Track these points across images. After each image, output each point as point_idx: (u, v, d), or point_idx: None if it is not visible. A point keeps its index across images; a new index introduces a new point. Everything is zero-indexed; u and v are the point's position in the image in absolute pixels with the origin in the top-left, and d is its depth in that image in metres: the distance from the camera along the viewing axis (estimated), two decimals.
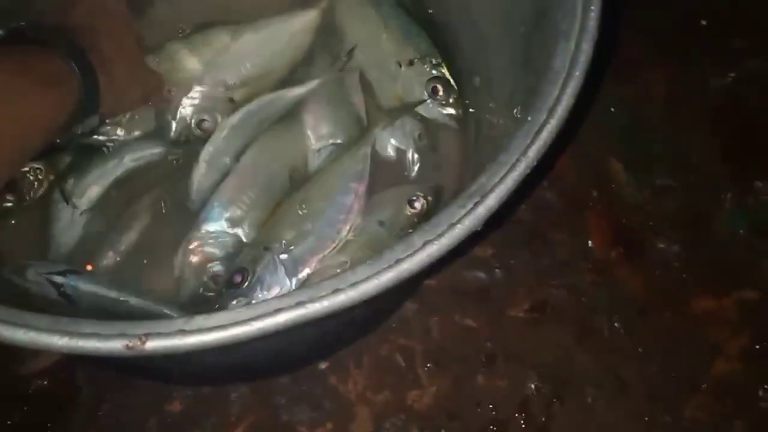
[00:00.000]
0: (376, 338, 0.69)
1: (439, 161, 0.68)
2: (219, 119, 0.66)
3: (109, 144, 0.65)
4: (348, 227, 0.60)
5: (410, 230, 0.61)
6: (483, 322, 0.70)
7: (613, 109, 0.78)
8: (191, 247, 0.61)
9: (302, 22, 0.69)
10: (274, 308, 0.40)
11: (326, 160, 0.65)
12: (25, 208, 0.63)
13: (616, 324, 0.70)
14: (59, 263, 0.59)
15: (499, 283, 0.72)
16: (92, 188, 0.63)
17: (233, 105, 0.67)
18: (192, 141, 0.66)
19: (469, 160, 0.68)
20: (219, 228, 0.61)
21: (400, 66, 0.68)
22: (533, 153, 0.44)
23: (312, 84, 0.66)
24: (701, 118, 0.78)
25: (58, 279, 0.56)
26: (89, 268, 0.61)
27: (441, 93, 0.68)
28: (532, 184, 0.67)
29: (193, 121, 0.66)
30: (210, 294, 0.61)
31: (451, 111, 0.68)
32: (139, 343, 0.39)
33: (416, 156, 0.67)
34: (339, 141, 0.67)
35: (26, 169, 0.62)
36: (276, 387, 0.68)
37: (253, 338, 0.40)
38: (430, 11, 0.71)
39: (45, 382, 0.68)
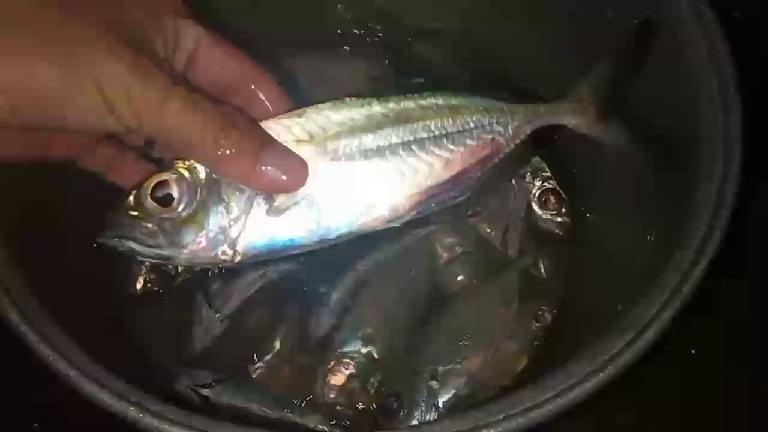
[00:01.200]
0: None
1: (553, 267, 0.71)
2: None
3: None
4: (493, 350, 0.63)
5: (536, 343, 0.65)
6: None
7: None
8: (330, 367, 0.64)
9: None
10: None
11: (463, 272, 0.69)
12: (166, 293, 0.68)
13: None
14: (205, 373, 0.62)
15: None
16: (234, 296, 0.67)
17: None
18: None
19: (583, 265, 0.70)
20: (353, 348, 0.65)
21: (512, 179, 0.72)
22: (687, 290, 0.47)
23: (432, 227, 0.70)
24: None
25: (206, 392, 0.60)
26: None
27: (553, 204, 0.71)
28: None
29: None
30: (350, 412, 0.63)
31: (561, 220, 0.72)
32: None
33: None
34: (468, 249, 0.71)
35: None
36: None
37: None
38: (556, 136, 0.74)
39: None
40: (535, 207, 0.72)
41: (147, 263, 0.65)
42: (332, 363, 0.64)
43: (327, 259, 0.65)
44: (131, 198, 0.44)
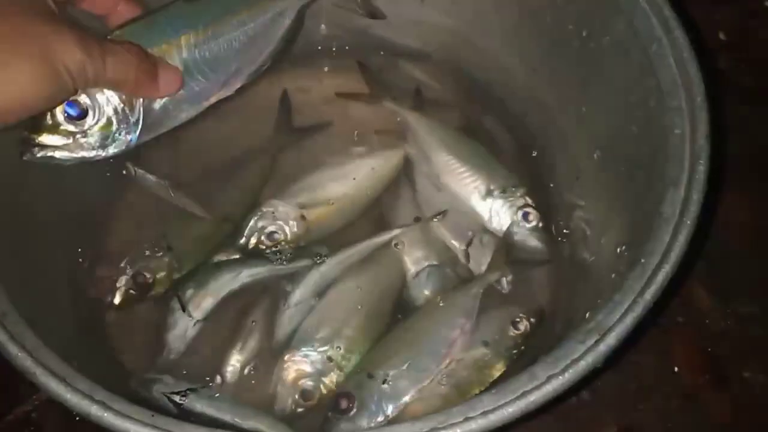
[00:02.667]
0: None
1: (531, 276, 0.72)
2: (288, 234, 0.71)
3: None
4: (448, 361, 0.63)
5: (514, 350, 0.66)
6: None
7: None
8: (285, 364, 0.65)
9: (385, 157, 0.75)
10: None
11: (429, 285, 0.70)
12: (147, 301, 0.68)
13: None
14: (181, 382, 0.63)
15: (586, 405, 0.73)
16: (208, 299, 0.67)
17: (305, 222, 0.71)
18: (258, 251, 0.70)
19: (562, 277, 0.71)
20: (310, 347, 0.65)
21: (491, 193, 0.72)
22: (650, 296, 0.47)
23: (397, 231, 0.71)
24: None
25: (178, 399, 0.60)
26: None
27: (533, 220, 0.72)
28: None
29: (264, 232, 0.70)
30: (301, 410, 0.64)
31: (540, 238, 0.72)
32: None
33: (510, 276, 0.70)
34: (435, 263, 0.71)
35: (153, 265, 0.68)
36: None
37: None
38: (534, 153, 0.76)
39: None
40: (516, 220, 0.72)
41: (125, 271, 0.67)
42: (287, 361, 0.65)
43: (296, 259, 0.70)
44: (48, 120, 0.52)
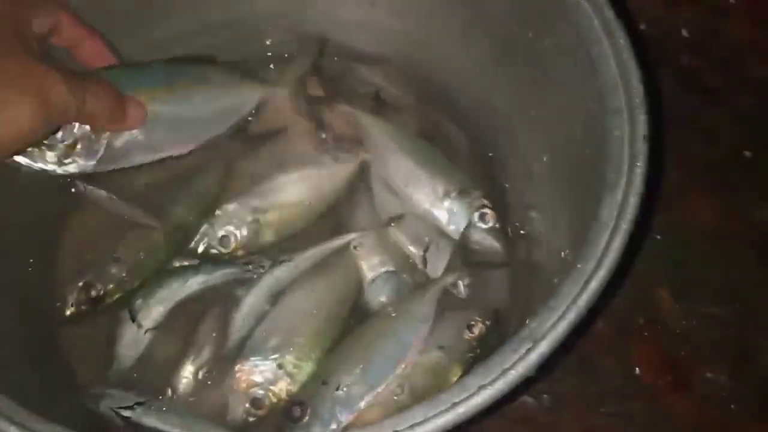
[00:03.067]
0: None
1: (488, 278, 0.71)
2: (240, 238, 0.70)
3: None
4: (404, 365, 0.62)
5: (470, 354, 0.65)
6: None
7: (659, 237, 0.80)
8: (236, 373, 0.64)
9: (341, 163, 0.74)
10: None
11: (385, 291, 0.69)
12: (98, 313, 0.67)
13: None
14: (129, 395, 0.62)
15: (547, 409, 0.73)
16: (157, 308, 0.67)
17: (258, 227, 0.71)
18: (210, 255, 0.70)
19: (519, 278, 0.70)
20: (261, 355, 0.65)
21: (448, 195, 0.71)
22: (583, 302, 0.47)
23: (353, 235, 0.71)
24: (748, 248, 0.79)
25: (126, 413, 0.60)
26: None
27: (489, 220, 0.71)
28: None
29: (215, 236, 0.70)
30: (253, 420, 0.64)
31: (497, 239, 0.70)
32: None
33: (466, 279, 0.69)
34: (392, 269, 0.70)
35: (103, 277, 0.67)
36: None
37: None
38: (491, 155, 0.75)
39: None
40: (473, 221, 0.71)
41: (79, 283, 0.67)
42: (238, 370, 0.64)
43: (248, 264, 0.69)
44: None
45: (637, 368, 0.74)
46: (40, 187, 0.67)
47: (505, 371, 0.45)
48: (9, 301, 0.64)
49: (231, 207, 0.71)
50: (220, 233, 0.70)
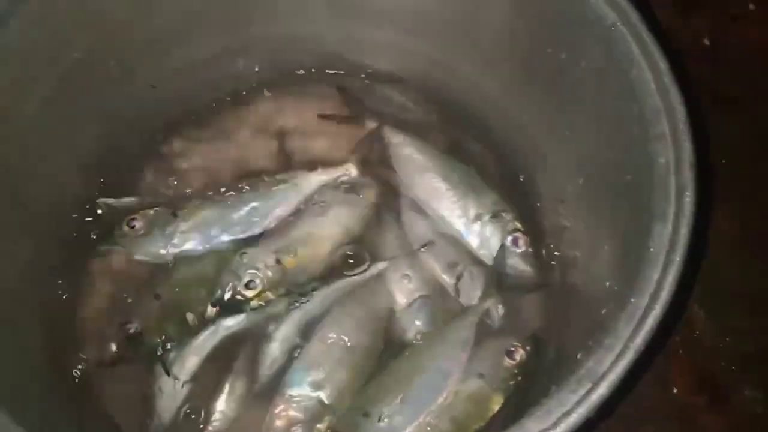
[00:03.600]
0: None
1: (522, 302, 0.70)
2: (266, 281, 0.68)
3: None
4: (446, 394, 0.62)
5: (511, 381, 0.64)
6: None
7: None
8: (276, 411, 0.63)
9: (358, 197, 0.73)
10: None
11: (420, 316, 0.68)
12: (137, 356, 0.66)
13: None
14: None
15: None
16: (191, 359, 0.65)
17: (282, 267, 0.69)
18: (236, 302, 0.68)
19: (553, 300, 0.69)
20: (302, 392, 0.63)
21: (480, 219, 0.71)
22: (641, 340, 0.46)
23: (384, 264, 0.70)
24: None
25: None
26: None
27: (522, 245, 0.70)
28: None
29: (240, 282, 0.68)
30: None
31: (530, 263, 0.70)
32: None
33: (500, 307, 0.68)
34: (425, 293, 0.69)
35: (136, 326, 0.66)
36: None
37: None
38: (520, 175, 0.74)
39: None
40: (506, 245, 0.70)
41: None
42: (279, 407, 0.63)
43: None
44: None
45: (674, 388, 0.73)
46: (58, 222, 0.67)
47: (565, 414, 0.44)
48: (35, 337, 0.63)
49: (253, 250, 0.69)
50: (246, 278, 0.68)
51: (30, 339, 0.62)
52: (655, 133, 0.53)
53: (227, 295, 0.67)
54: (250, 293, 0.67)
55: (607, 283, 0.55)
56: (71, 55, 0.64)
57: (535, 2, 0.62)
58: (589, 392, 0.44)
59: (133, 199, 0.73)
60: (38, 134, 0.63)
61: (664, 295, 0.47)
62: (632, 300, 0.47)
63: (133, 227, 0.70)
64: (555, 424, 0.43)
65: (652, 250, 0.49)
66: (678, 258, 0.48)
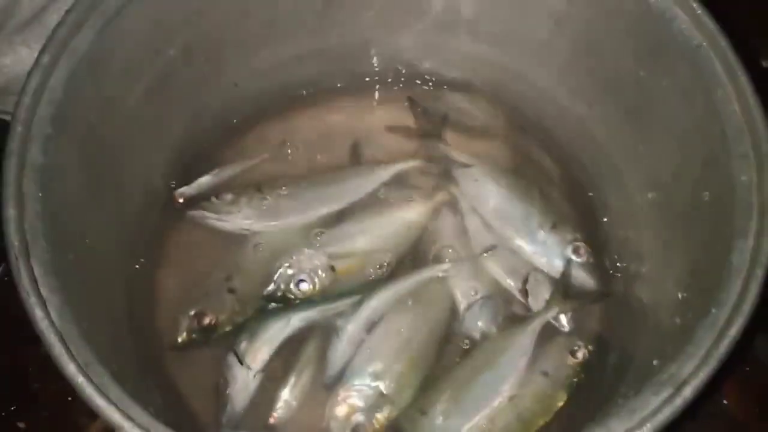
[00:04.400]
0: None
1: (584, 311, 0.71)
2: (317, 284, 0.70)
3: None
4: (502, 397, 0.64)
5: (575, 379, 0.66)
6: None
7: None
8: (338, 398, 0.66)
9: (418, 213, 0.75)
10: None
11: (483, 316, 0.70)
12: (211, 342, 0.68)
13: None
14: None
15: None
16: (263, 350, 0.67)
17: (333, 273, 0.71)
18: (286, 299, 0.70)
19: (615, 310, 0.71)
20: (362, 381, 0.66)
21: (542, 229, 0.73)
22: (724, 348, 0.48)
23: (446, 266, 0.72)
24: None
25: None
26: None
27: (583, 254, 0.72)
28: None
29: (293, 280, 0.70)
30: None
31: (592, 273, 0.71)
32: None
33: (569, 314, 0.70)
34: (486, 293, 0.71)
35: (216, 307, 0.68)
36: None
37: None
38: (586, 186, 0.76)
39: None
40: (567, 255, 0.72)
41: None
42: (340, 395, 0.65)
43: (344, 295, 0.70)
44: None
45: (724, 400, 0.75)
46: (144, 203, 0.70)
47: (651, 413, 0.46)
48: (122, 328, 0.65)
49: (309, 252, 0.72)
50: (299, 277, 0.70)
51: (117, 312, 0.65)
52: (737, 151, 0.55)
53: (279, 293, 0.70)
54: (299, 294, 0.70)
55: (680, 295, 0.57)
56: (169, 52, 0.66)
57: (620, 18, 0.64)
58: (673, 395, 0.46)
59: (209, 176, 0.75)
60: (138, 123, 0.66)
61: (747, 308, 0.49)
62: (713, 310, 0.50)
63: (220, 198, 0.73)
64: (641, 423, 0.46)
65: (734, 264, 0.51)
66: (760, 272, 0.50)
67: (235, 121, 0.79)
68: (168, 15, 0.64)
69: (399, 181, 0.77)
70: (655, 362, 0.53)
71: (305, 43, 0.77)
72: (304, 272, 0.71)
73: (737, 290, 0.50)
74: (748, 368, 0.76)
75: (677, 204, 0.62)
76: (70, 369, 0.47)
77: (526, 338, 0.67)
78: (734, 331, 0.48)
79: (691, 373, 0.47)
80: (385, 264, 0.73)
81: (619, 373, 0.62)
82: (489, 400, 0.64)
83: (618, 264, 0.72)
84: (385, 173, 0.77)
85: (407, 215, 0.75)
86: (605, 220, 0.74)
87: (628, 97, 0.67)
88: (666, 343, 0.54)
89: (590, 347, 0.68)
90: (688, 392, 0.47)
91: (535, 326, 0.67)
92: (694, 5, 0.58)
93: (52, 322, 0.49)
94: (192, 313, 0.68)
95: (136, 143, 0.67)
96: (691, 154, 0.60)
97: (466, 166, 0.76)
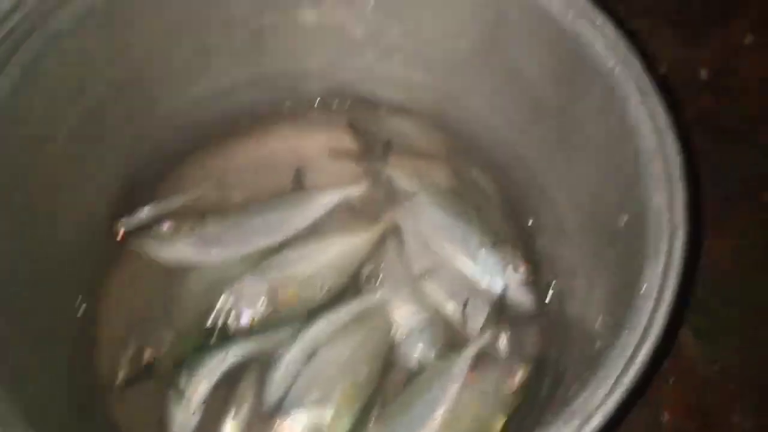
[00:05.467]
0: None
1: (522, 332, 0.71)
2: (257, 314, 0.70)
3: None
4: (436, 424, 0.64)
5: (512, 402, 0.67)
6: None
7: None
8: (277, 428, 0.66)
9: (362, 239, 0.75)
10: None
11: (421, 341, 0.70)
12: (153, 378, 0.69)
13: None
14: None
15: None
16: (203, 383, 0.67)
17: (274, 302, 0.71)
18: (226, 331, 0.70)
19: (550, 327, 0.71)
20: (300, 410, 0.66)
21: (481, 248, 0.73)
22: (630, 378, 0.48)
23: (383, 293, 0.72)
24: None
25: None
26: None
27: (522, 273, 0.72)
28: None
29: (232, 312, 0.70)
30: None
31: (530, 291, 0.72)
32: None
33: (504, 338, 0.70)
34: (425, 319, 0.72)
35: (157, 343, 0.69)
36: None
37: None
38: (522, 207, 0.77)
39: None
40: (506, 275, 0.72)
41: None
42: (279, 425, 0.65)
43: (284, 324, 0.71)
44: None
45: (664, 413, 0.76)
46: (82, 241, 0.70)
47: None
48: (54, 357, 0.65)
49: (248, 279, 0.72)
50: (238, 309, 0.70)
51: (55, 352, 0.65)
52: (649, 173, 0.55)
53: (218, 326, 0.70)
54: (239, 324, 0.70)
55: (601, 317, 0.58)
56: (97, 88, 0.67)
57: (542, 44, 0.64)
58: (582, 424, 0.47)
59: (149, 207, 0.75)
60: (66, 163, 0.66)
61: (654, 333, 0.49)
62: (625, 333, 0.50)
63: (160, 228, 0.73)
64: None
65: (643, 288, 0.51)
66: (668, 295, 0.50)
67: (174, 151, 0.78)
68: (92, 53, 0.65)
69: (343, 206, 0.77)
70: (573, 387, 0.53)
71: (240, 71, 0.77)
72: (243, 302, 0.71)
73: (646, 316, 0.50)
74: (684, 381, 0.77)
75: (600, 226, 0.63)
76: None
77: (457, 366, 0.67)
78: (642, 357, 0.49)
79: (601, 401, 0.47)
80: (326, 290, 0.73)
81: (553, 394, 0.63)
82: (423, 428, 0.65)
83: (554, 282, 0.72)
84: (329, 200, 0.77)
85: (351, 241, 0.75)
86: (541, 241, 0.74)
87: (552, 121, 0.67)
88: (585, 368, 0.54)
89: (528, 369, 0.68)
90: (597, 421, 0.47)
91: (467, 354, 0.68)
92: (608, 30, 0.59)
93: None
94: (131, 351, 0.68)
95: (68, 181, 0.67)
96: (610, 177, 0.60)
97: (410, 190, 0.77)
